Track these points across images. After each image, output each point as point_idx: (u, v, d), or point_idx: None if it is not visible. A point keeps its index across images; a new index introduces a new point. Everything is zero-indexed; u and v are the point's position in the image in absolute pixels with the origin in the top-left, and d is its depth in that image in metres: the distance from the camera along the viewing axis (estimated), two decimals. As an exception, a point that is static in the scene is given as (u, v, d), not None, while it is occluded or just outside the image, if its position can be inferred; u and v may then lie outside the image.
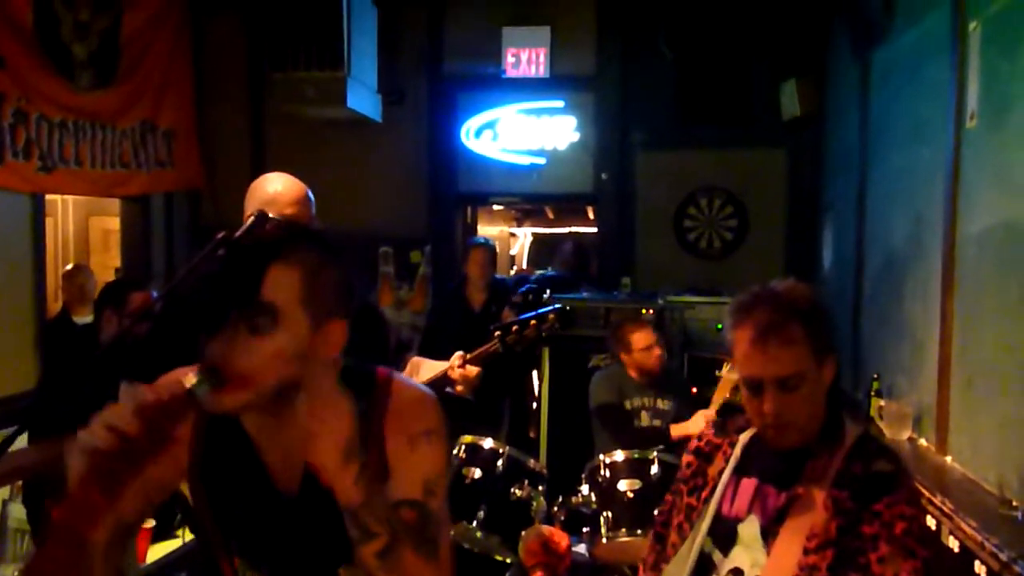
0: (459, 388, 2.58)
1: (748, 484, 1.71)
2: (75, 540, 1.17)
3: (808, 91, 5.30)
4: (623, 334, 3.82)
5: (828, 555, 1.53)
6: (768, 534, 1.63)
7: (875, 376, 3.84)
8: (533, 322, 2.54)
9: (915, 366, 3.49)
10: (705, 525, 1.72)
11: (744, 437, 1.78)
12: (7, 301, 4.39)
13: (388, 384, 1.42)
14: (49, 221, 6.34)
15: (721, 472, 1.77)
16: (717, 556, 1.70)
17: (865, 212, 4.35)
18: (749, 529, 1.66)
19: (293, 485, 1.38)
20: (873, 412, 3.74)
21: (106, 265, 6.53)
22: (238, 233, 2.44)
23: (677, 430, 3.54)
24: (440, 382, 2.60)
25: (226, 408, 1.28)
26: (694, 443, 1.89)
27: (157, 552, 2.80)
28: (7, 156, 4.26)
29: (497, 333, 2.53)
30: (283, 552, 1.42)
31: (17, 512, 3.09)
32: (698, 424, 3.43)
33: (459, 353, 2.58)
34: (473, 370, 2.56)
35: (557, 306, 2.64)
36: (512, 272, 8.40)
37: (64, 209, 6.67)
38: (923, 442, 3.36)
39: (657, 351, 3.75)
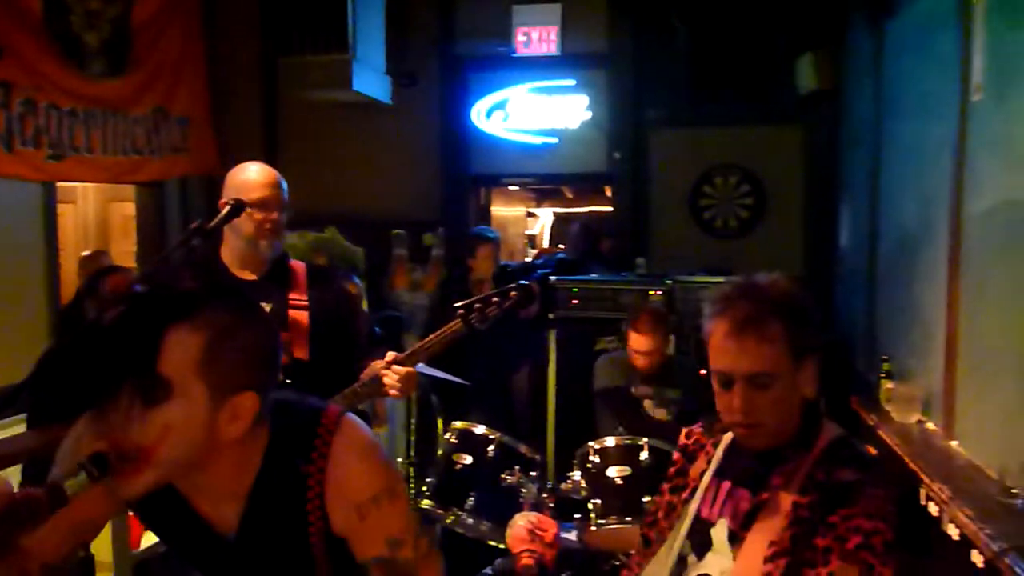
0: (393, 393, 2.43)
1: (726, 487, 1.67)
2: None
3: (825, 64, 5.15)
4: (627, 330, 3.75)
5: (781, 564, 1.48)
6: (735, 539, 1.59)
7: (885, 358, 3.76)
8: (495, 299, 2.48)
9: (924, 348, 3.40)
10: (684, 528, 1.68)
11: (727, 438, 1.72)
12: (19, 289, 4.46)
13: (328, 444, 1.33)
14: (69, 207, 6.45)
15: (702, 474, 1.72)
16: (692, 559, 1.66)
17: (878, 190, 4.24)
18: (719, 534, 1.62)
19: (231, 528, 1.35)
20: (882, 395, 3.66)
21: (126, 251, 6.60)
22: (213, 223, 2.44)
23: None
24: (372, 389, 2.45)
25: (133, 495, 1.21)
26: (683, 441, 1.84)
27: (151, 538, 2.81)
28: (16, 145, 4.31)
29: (460, 312, 2.48)
30: None
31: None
32: None
33: (391, 353, 2.49)
34: (401, 370, 2.44)
35: (523, 282, 2.58)
36: (531, 252, 8.35)
37: (84, 196, 6.75)
38: (931, 426, 3.28)
39: (648, 360, 3.65)
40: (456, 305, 2.48)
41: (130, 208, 6.44)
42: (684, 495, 1.73)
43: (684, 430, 1.89)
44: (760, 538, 1.54)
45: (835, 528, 1.47)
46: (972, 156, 2.89)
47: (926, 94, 3.42)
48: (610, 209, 6.64)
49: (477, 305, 2.47)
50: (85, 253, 5.41)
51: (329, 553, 1.36)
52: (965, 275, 2.94)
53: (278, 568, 1.37)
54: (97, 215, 6.87)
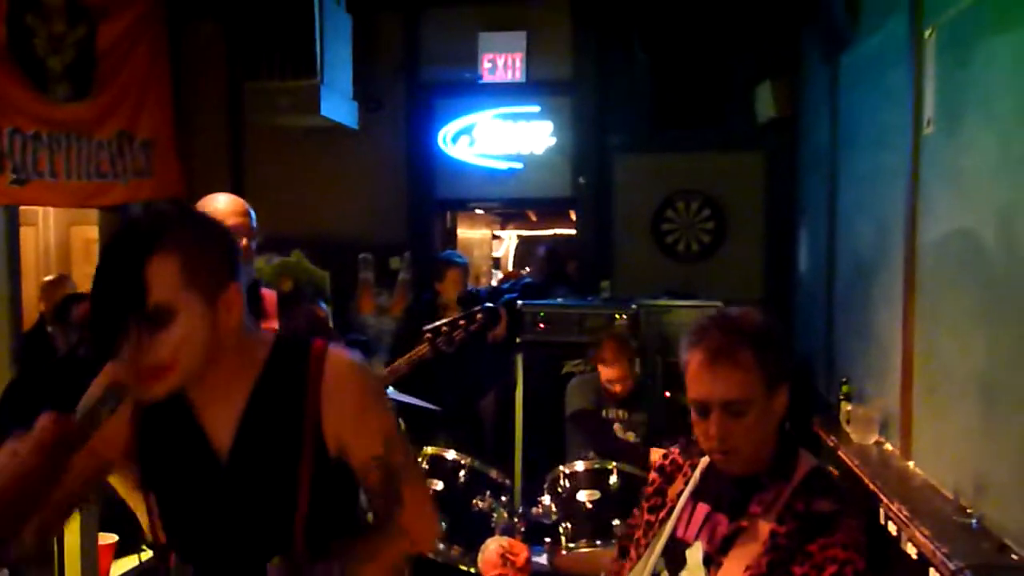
0: None
1: (702, 509, 1.72)
2: None
3: (783, 93, 5.31)
4: (597, 356, 3.82)
5: None
6: (711, 562, 1.64)
7: (844, 380, 3.86)
8: (462, 323, 2.56)
9: (881, 371, 3.50)
10: (659, 546, 1.73)
11: (704, 461, 1.78)
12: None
13: (323, 356, 1.46)
14: (30, 231, 6.37)
15: (680, 494, 1.77)
16: None
17: (836, 217, 4.37)
18: (694, 555, 1.67)
19: (228, 439, 1.43)
20: (842, 417, 3.75)
21: (89, 275, 6.51)
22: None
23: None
24: None
25: (155, 395, 1.33)
26: (659, 461, 1.90)
27: (120, 567, 2.80)
28: (-21, 170, 4.27)
29: (428, 336, 2.55)
30: (216, 527, 1.46)
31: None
32: None
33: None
34: None
35: (488, 306, 2.67)
36: (496, 275, 8.42)
37: (45, 219, 6.67)
38: (889, 447, 3.38)
39: (623, 386, 3.73)
40: (424, 328, 2.55)
41: (92, 232, 6.38)
42: (661, 514, 1.78)
43: (662, 451, 1.94)
44: (737, 564, 1.59)
45: (812, 557, 1.53)
46: (925, 186, 3.01)
47: (881, 125, 3.55)
48: (574, 232, 6.72)
49: (444, 328, 2.55)
50: (48, 278, 5.34)
51: (315, 474, 1.43)
52: (920, 300, 3.05)
53: (264, 490, 1.44)
54: (58, 238, 6.79)
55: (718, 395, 1.60)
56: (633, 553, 1.82)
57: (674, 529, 1.73)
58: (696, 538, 1.68)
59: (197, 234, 1.36)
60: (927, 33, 2.96)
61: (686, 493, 1.76)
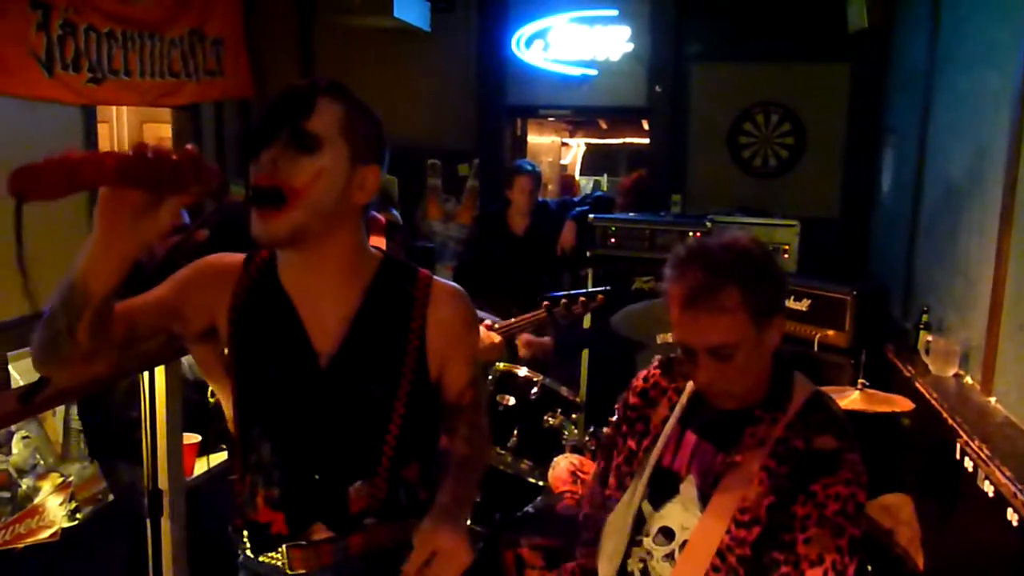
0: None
1: (690, 439, 1.63)
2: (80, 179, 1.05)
3: (877, 1, 5.00)
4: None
5: (755, 532, 1.49)
6: (705, 498, 1.57)
7: (925, 309, 3.75)
8: (582, 299, 2.60)
9: (967, 303, 3.39)
10: (646, 476, 1.65)
11: (691, 384, 1.67)
12: (61, 213, 4.48)
13: (429, 281, 1.53)
14: (104, 128, 6.44)
15: (664, 420, 1.68)
16: (648, 510, 1.65)
17: (927, 138, 4.15)
18: (688, 489, 1.61)
19: (329, 345, 1.46)
20: (920, 346, 3.66)
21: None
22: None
23: None
24: None
25: (276, 231, 1.34)
26: (640, 384, 1.79)
27: (203, 466, 2.91)
28: (56, 68, 4.29)
29: (545, 304, 2.59)
30: (304, 434, 1.46)
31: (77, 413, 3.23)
32: None
33: (486, 322, 2.59)
34: (495, 337, 2.56)
35: (608, 288, 2.70)
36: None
37: (119, 116, 6.74)
38: (968, 380, 3.29)
39: None
40: (542, 296, 2.59)
41: (165, 129, 6.43)
42: (645, 443, 1.69)
43: (641, 373, 1.80)
44: (727, 497, 1.53)
45: (815, 496, 1.47)
46: (1034, 111, 2.83)
47: (988, 41, 3.32)
48: (646, 141, 6.56)
49: (563, 300, 2.58)
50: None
51: (412, 392, 1.47)
52: (1017, 232, 2.90)
53: (361, 401, 1.46)
54: (132, 135, 6.87)
55: (702, 341, 1.49)
56: (613, 480, 1.74)
57: (660, 457, 1.65)
58: (688, 471, 1.61)
59: (363, 109, 1.43)
60: (1052, -57, 2.73)
61: (672, 420, 1.66)
